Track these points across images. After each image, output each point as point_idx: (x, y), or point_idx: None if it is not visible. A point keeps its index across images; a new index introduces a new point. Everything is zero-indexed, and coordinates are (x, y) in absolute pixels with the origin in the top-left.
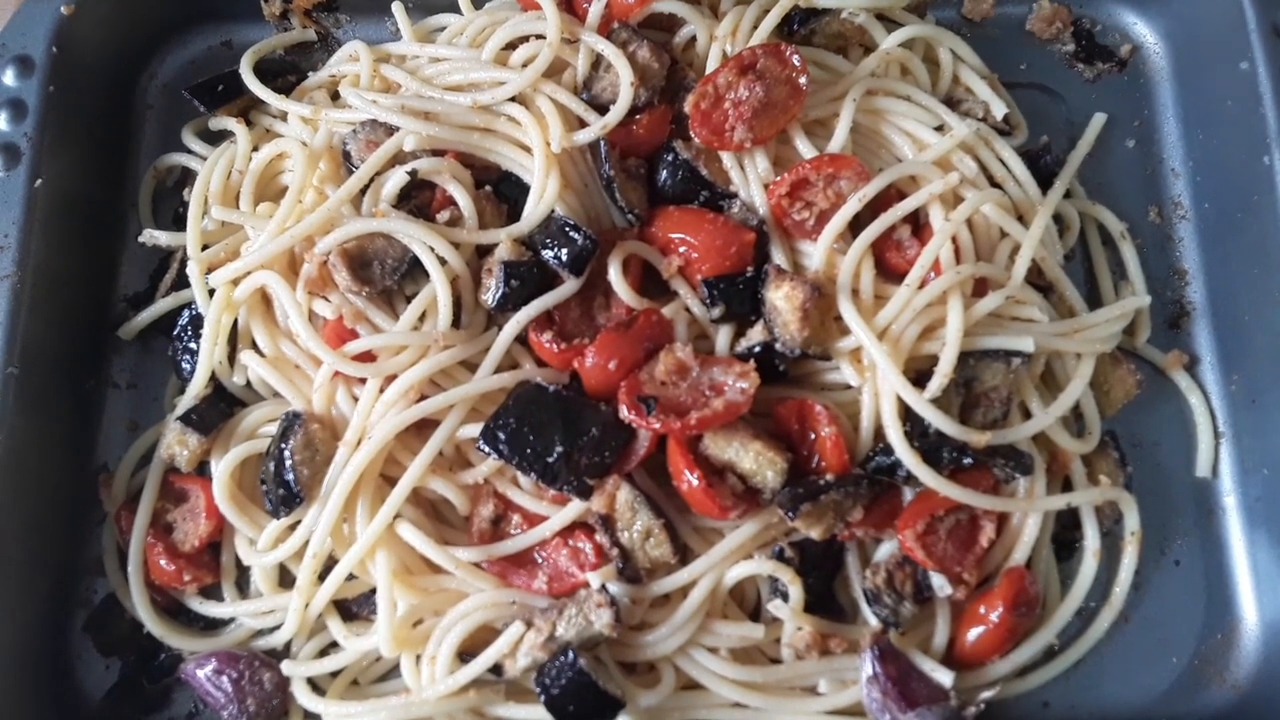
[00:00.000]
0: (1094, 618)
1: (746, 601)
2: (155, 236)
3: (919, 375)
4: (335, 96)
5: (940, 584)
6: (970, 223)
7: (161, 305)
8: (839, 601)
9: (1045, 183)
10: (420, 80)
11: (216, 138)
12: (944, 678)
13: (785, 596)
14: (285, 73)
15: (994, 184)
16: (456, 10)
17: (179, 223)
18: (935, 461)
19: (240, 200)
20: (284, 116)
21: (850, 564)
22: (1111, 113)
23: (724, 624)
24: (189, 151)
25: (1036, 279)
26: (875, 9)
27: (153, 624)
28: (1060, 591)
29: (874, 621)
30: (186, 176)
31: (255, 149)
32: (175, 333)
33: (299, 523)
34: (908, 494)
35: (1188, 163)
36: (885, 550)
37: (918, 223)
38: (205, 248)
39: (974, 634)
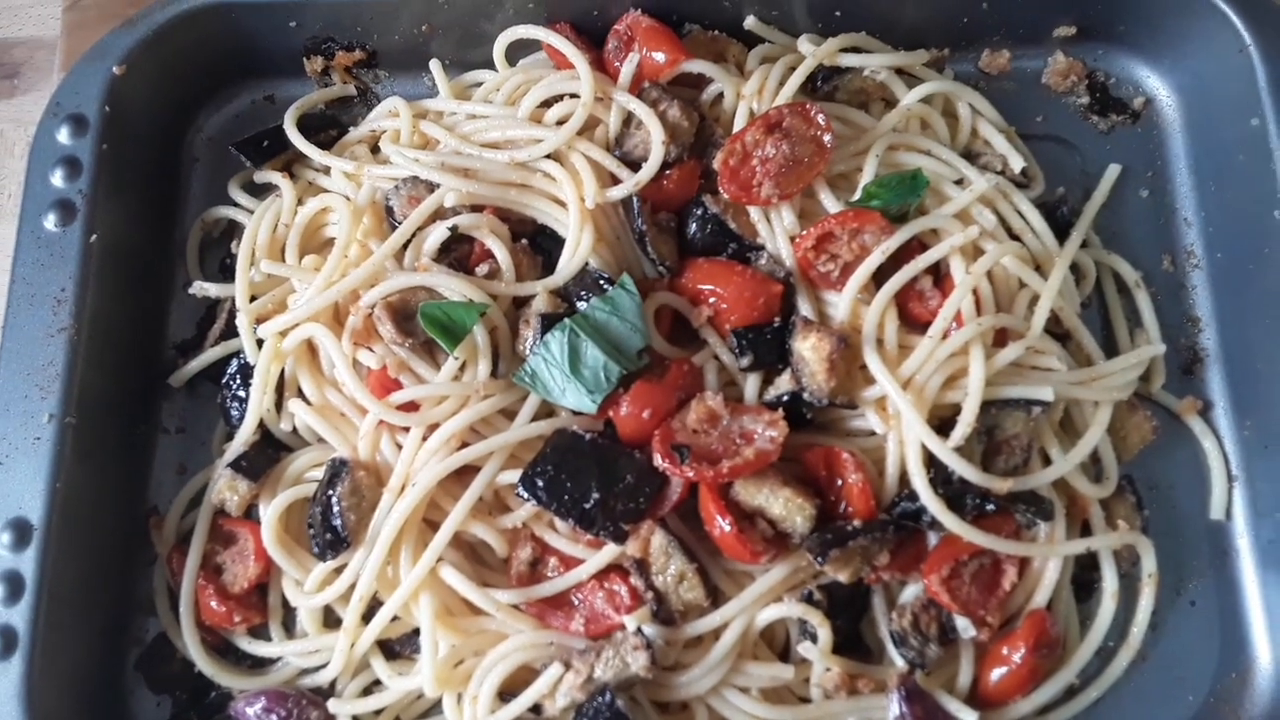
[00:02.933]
0: (1113, 657)
1: (776, 642)
2: (205, 288)
3: (942, 423)
4: (375, 149)
5: (964, 626)
6: (990, 274)
7: (210, 354)
8: (866, 642)
9: (1062, 233)
10: (458, 137)
11: (261, 190)
12: (968, 717)
13: (814, 638)
14: (327, 127)
15: (1013, 235)
16: (492, 67)
17: (225, 272)
18: (959, 508)
19: (286, 253)
20: (327, 170)
21: (877, 606)
22: (1125, 164)
23: (755, 665)
24: (235, 204)
25: (1054, 327)
26: (895, 66)
27: (203, 663)
28: (1080, 632)
29: (900, 662)
30: (232, 228)
31: (300, 202)
32: (224, 381)
33: (345, 565)
34: (932, 539)
35: (1200, 213)
36: (910, 593)
37: (939, 273)
38: (253, 299)
39: (997, 674)
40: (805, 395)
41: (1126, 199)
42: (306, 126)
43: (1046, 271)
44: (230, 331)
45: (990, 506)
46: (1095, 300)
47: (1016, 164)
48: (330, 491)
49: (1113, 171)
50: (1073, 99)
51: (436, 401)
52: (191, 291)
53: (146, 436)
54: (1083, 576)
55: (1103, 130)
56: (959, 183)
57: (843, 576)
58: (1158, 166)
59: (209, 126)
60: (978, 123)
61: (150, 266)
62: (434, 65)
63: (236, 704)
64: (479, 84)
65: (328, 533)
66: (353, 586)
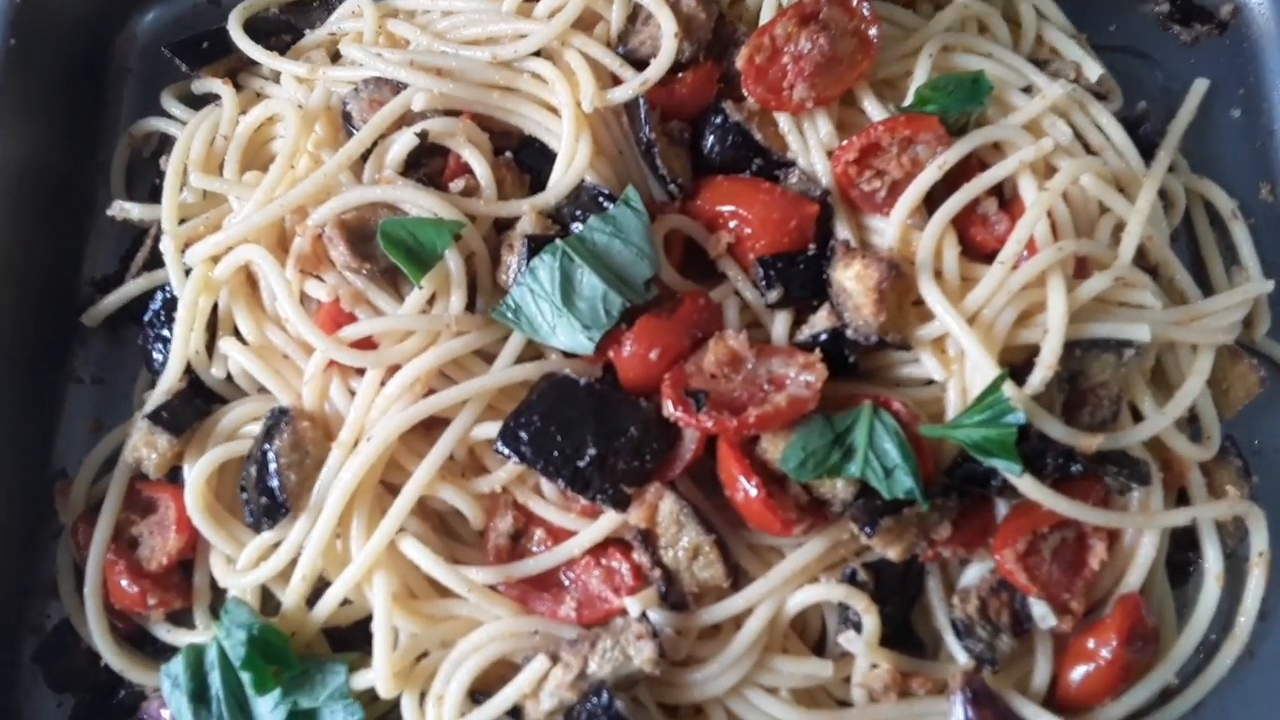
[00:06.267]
0: (1215, 653)
1: (810, 633)
2: (127, 209)
3: (1013, 370)
4: (336, 58)
5: (1042, 613)
6: (1065, 196)
7: (132, 287)
8: (917, 634)
9: (1144, 156)
10: (432, 35)
11: (201, 103)
12: None
13: (858, 627)
14: (279, 32)
15: (1090, 153)
16: None
17: (156, 197)
18: (1038, 469)
19: (225, 169)
20: (277, 78)
21: (931, 590)
22: (1213, 79)
23: (784, 660)
24: (169, 116)
25: (1139, 261)
26: None
27: (111, 655)
28: (1177, 623)
29: (963, 658)
30: (165, 145)
31: (243, 113)
32: (147, 319)
33: (285, 538)
34: (1001, 508)
35: None
36: (973, 574)
37: (1002, 196)
38: (184, 222)
39: (1080, 673)
40: (849, 332)
41: (1216, 119)
42: (256, 32)
43: (1130, 196)
44: (156, 261)
45: (1076, 467)
46: (1183, 233)
47: (1093, 72)
48: (267, 446)
49: (1199, 87)
50: (1150, 6)
51: (399, 338)
52: (110, 213)
53: (55, 386)
54: (1177, 556)
55: (1185, 42)
56: (1027, 91)
57: (893, 552)
58: (1250, 83)
59: (143, 32)
60: (1044, 28)
61: (67, 190)
62: None
63: (150, 706)
64: None
65: (263, 496)
66: (294, 563)
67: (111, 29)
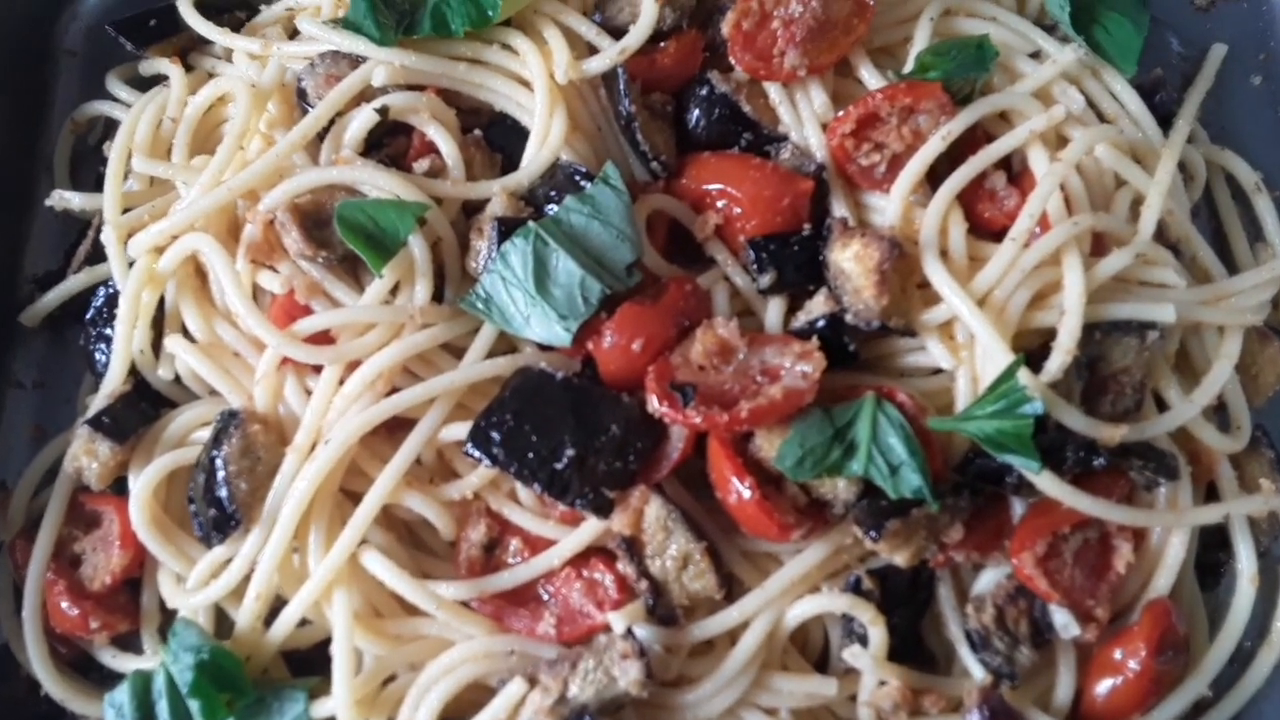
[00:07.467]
0: (1251, 661)
1: (812, 648)
2: (66, 199)
3: (1028, 357)
4: (294, 36)
5: (1064, 622)
6: (1079, 168)
7: (73, 283)
8: (928, 647)
9: (1161, 126)
10: None
11: (149, 86)
12: None
13: (863, 641)
14: (233, 8)
15: (1104, 122)
16: None
17: (101, 187)
18: (1056, 464)
19: (173, 153)
20: (229, 57)
21: (943, 598)
22: (1231, 44)
23: (784, 678)
24: (115, 100)
25: (1157, 238)
26: None
27: (51, 683)
28: (1209, 629)
29: (979, 673)
30: (110, 132)
31: (193, 94)
32: (89, 317)
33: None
34: (1017, 507)
35: None
36: (988, 580)
37: (1010, 170)
38: (128, 211)
39: (1106, 686)
40: (848, 318)
41: (1235, 87)
42: (208, 8)
43: (1148, 167)
44: (99, 255)
45: (1098, 461)
46: (1203, 208)
47: None
48: (215, 452)
49: (1217, 53)
50: None
51: (358, 332)
52: (50, 203)
53: None
54: (1206, 557)
55: (1200, 5)
56: (1035, 56)
57: (900, 558)
58: (1271, 48)
59: (87, 11)
60: None
61: (5, 181)
62: None
63: None
64: None
65: (212, 508)
66: (248, 580)
67: (53, 10)
